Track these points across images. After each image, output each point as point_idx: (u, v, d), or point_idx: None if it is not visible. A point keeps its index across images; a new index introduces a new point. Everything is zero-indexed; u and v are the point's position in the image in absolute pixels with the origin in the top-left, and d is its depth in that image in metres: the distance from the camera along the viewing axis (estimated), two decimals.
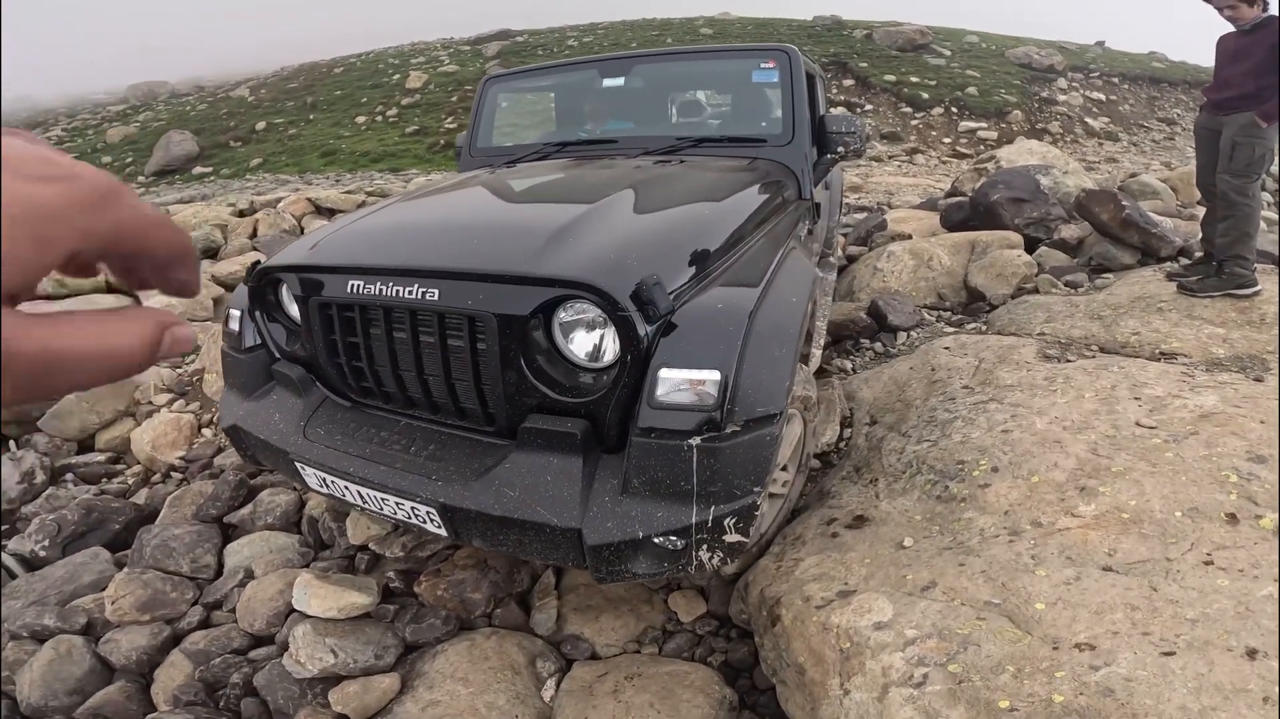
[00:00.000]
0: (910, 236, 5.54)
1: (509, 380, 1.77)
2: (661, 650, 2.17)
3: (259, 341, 2.36)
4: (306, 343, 2.16)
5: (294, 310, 2.22)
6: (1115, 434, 2.41)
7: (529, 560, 2.35)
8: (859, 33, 26.30)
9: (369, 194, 10.58)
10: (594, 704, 1.92)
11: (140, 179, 21.48)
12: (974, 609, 1.76)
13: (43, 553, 2.75)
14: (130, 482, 3.43)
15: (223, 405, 2.43)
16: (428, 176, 15.80)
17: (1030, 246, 5.03)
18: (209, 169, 21.49)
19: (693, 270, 1.90)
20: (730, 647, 2.16)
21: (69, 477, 3.44)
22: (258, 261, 2.26)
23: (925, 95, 21.45)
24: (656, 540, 1.61)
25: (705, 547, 1.65)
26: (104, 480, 3.46)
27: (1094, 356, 3.19)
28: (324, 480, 2.00)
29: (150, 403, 4.00)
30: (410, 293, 1.80)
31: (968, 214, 5.63)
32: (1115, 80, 24.16)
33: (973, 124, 20.18)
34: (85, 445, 3.77)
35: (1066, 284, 4.39)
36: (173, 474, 3.37)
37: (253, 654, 2.21)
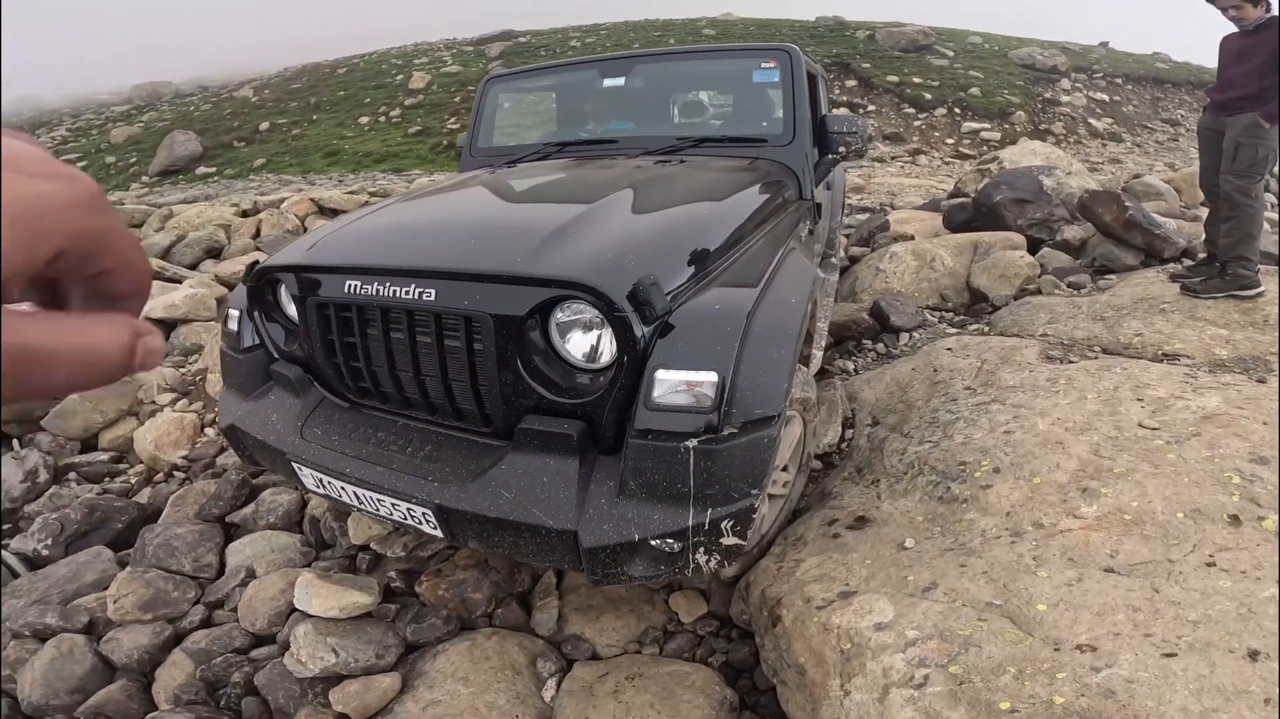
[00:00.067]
0: (913, 237, 5.53)
1: (505, 381, 1.76)
2: (662, 651, 2.17)
3: (257, 341, 2.36)
4: (304, 343, 2.16)
5: (292, 310, 2.22)
6: (1117, 435, 2.40)
7: (526, 562, 2.34)
8: (861, 33, 26.28)
9: (372, 194, 10.59)
10: (594, 704, 1.92)
11: (144, 179, 21.52)
12: (975, 610, 1.75)
13: (45, 552, 2.75)
14: (133, 481, 3.43)
15: (221, 405, 2.43)
16: (430, 177, 15.81)
17: (1033, 248, 5.02)
18: (213, 169, 21.53)
19: (691, 271, 1.89)
20: (731, 647, 2.15)
21: (72, 476, 3.45)
22: (256, 261, 2.26)
23: (928, 96, 21.42)
24: (653, 543, 1.60)
25: (702, 549, 1.64)
26: (107, 479, 3.47)
27: (1096, 358, 3.19)
28: (320, 481, 1.99)
29: (153, 402, 4.01)
30: (407, 293, 1.80)
31: (970, 215, 5.63)
32: (1119, 81, 24.11)
33: (976, 125, 20.16)
34: (88, 444, 3.77)
35: (1069, 285, 4.38)
36: (175, 473, 3.38)
37: (254, 653, 2.21)
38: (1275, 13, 3.46)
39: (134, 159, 23.23)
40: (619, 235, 1.92)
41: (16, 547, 2.82)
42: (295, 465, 2.04)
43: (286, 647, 2.09)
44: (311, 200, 9.14)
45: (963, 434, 2.58)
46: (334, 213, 8.84)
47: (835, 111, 3.60)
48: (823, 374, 3.61)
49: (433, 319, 1.81)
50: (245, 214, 8.94)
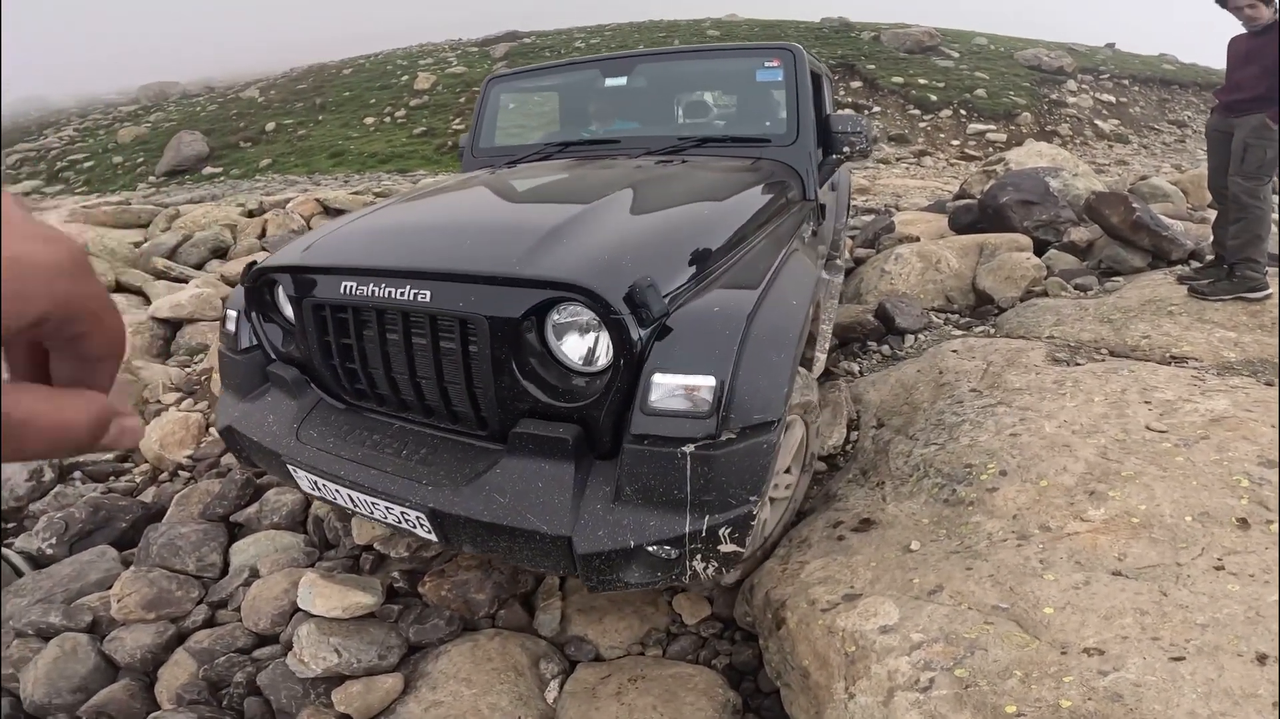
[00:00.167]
0: (918, 239, 5.51)
1: (501, 384, 1.74)
2: (665, 653, 2.16)
3: (255, 343, 2.34)
4: (301, 344, 2.14)
5: (289, 311, 2.20)
6: (1125, 438, 2.39)
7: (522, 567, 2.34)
8: (866, 35, 26.26)
9: (377, 195, 10.62)
10: (597, 706, 1.91)
11: (151, 179, 21.61)
12: (981, 613, 1.74)
13: (50, 551, 2.75)
14: (138, 480, 3.44)
15: (219, 407, 2.41)
16: (435, 178, 15.84)
17: (1039, 249, 5.00)
18: (219, 169, 21.60)
19: (690, 272, 1.86)
20: (735, 649, 2.14)
21: (77, 475, 3.45)
22: (254, 262, 2.24)
23: (933, 97, 21.38)
24: (650, 550, 1.57)
25: (700, 556, 1.61)
26: (112, 479, 3.47)
27: (1103, 360, 3.17)
28: (315, 484, 1.98)
29: (159, 402, 4.02)
30: (402, 294, 1.78)
31: (976, 216, 5.61)
32: (1125, 82, 24.04)
33: (981, 126, 20.11)
34: None
35: (1076, 287, 4.36)
36: (180, 473, 3.38)
37: (257, 653, 2.21)
38: None
39: (141, 159, 23.32)
40: (616, 236, 1.89)
41: (21, 545, 2.83)
42: (290, 468, 2.02)
43: (289, 647, 2.09)
44: (317, 201, 9.17)
45: (968, 436, 2.57)
46: (339, 213, 8.85)
47: (839, 112, 3.59)
48: (827, 376, 3.60)
49: (428, 321, 1.78)
50: (251, 214, 8.97)
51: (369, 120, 23.77)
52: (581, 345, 1.75)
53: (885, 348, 3.90)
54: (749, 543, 1.67)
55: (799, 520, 2.43)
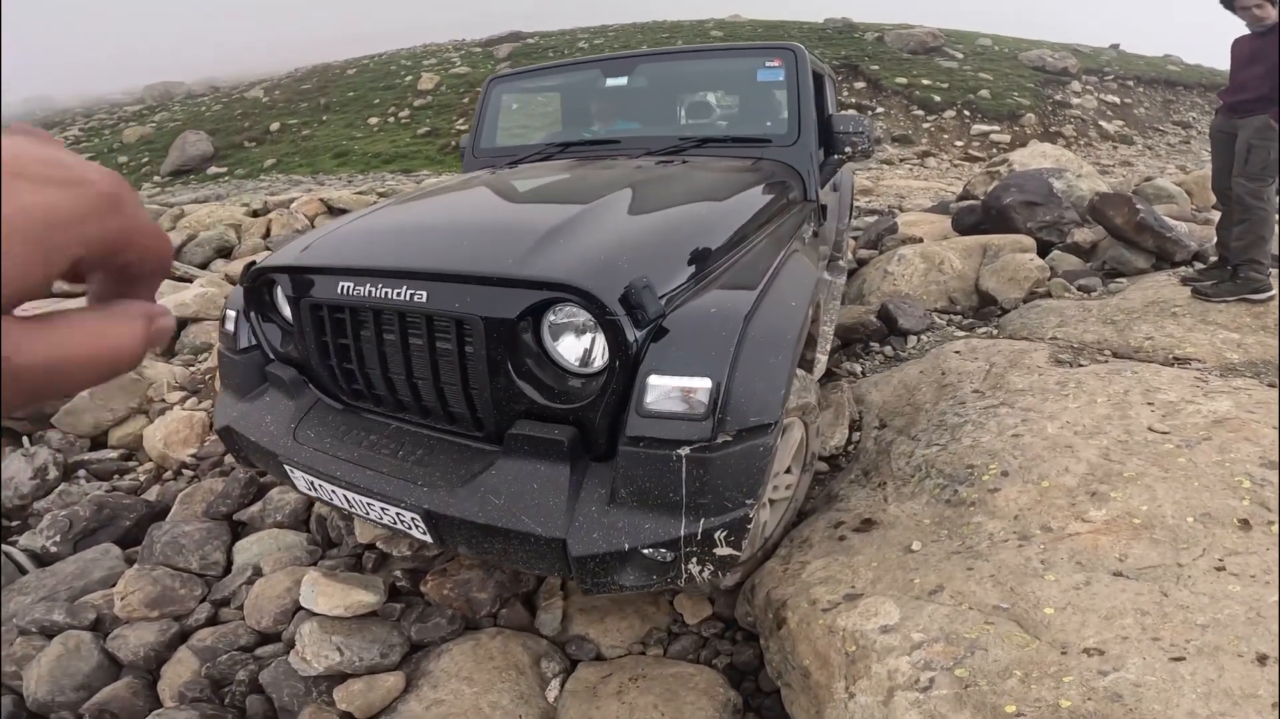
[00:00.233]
0: (921, 240, 5.51)
1: (497, 385, 1.73)
2: (666, 652, 2.17)
3: (254, 343, 2.34)
4: (299, 344, 2.14)
5: (288, 311, 2.20)
6: (1127, 439, 2.38)
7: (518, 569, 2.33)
8: (870, 35, 26.22)
9: (380, 195, 10.64)
10: (598, 705, 1.92)
11: (156, 179, 21.69)
12: (982, 613, 1.74)
13: (54, 549, 2.77)
14: (142, 478, 3.45)
15: (217, 406, 2.41)
16: (438, 178, 15.87)
17: (1043, 250, 5.00)
18: (224, 169, 21.67)
19: (688, 273, 1.85)
20: (735, 649, 2.15)
21: (81, 473, 3.47)
22: (253, 262, 2.24)
23: (937, 98, 21.34)
24: (644, 552, 1.56)
25: (695, 560, 1.60)
26: (116, 477, 3.49)
27: (1106, 361, 3.17)
28: (312, 484, 1.97)
29: (163, 400, 4.03)
30: (399, 294, 1.77)
31: (980, 217, 5.60)
32: (1130, 83, 23.97)
33: (985, 127, 20.07)
34: (98, 442, 3.79)
35: (1079, 288, 4.36)
36: (184, 471, 3.40)
37: (259, 651, 2.21)
38: None
39: (146, 159, 23.41)
40: (614, 236, 1.88)
41: (25, 543, 2.84)
42: (287, 468, 2.02)
43: (291, 645, 2.09)
44: (321, 200, 9.19)
45: (971, 437, 2.56)
46: (343, 213, 8.87)
47: (842, 112, 3.58)
48: (830, 377, 3.60)
49: (424, 321, 1.78)
50: (255, 214, 9.00)
51: (373, 120, 23.82)
52: (578, 346, 1.74)
53: (888, 349, 3.90)
54: (745, 546, 1.66)
55: (800, 520, 2.43)
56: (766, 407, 1.61)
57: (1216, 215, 4.27)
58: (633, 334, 1.61)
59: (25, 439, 3.74)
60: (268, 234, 8.14)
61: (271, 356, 2.32)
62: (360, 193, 10.48)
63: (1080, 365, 3.08)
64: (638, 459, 1.57)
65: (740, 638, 2.19)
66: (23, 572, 2.68)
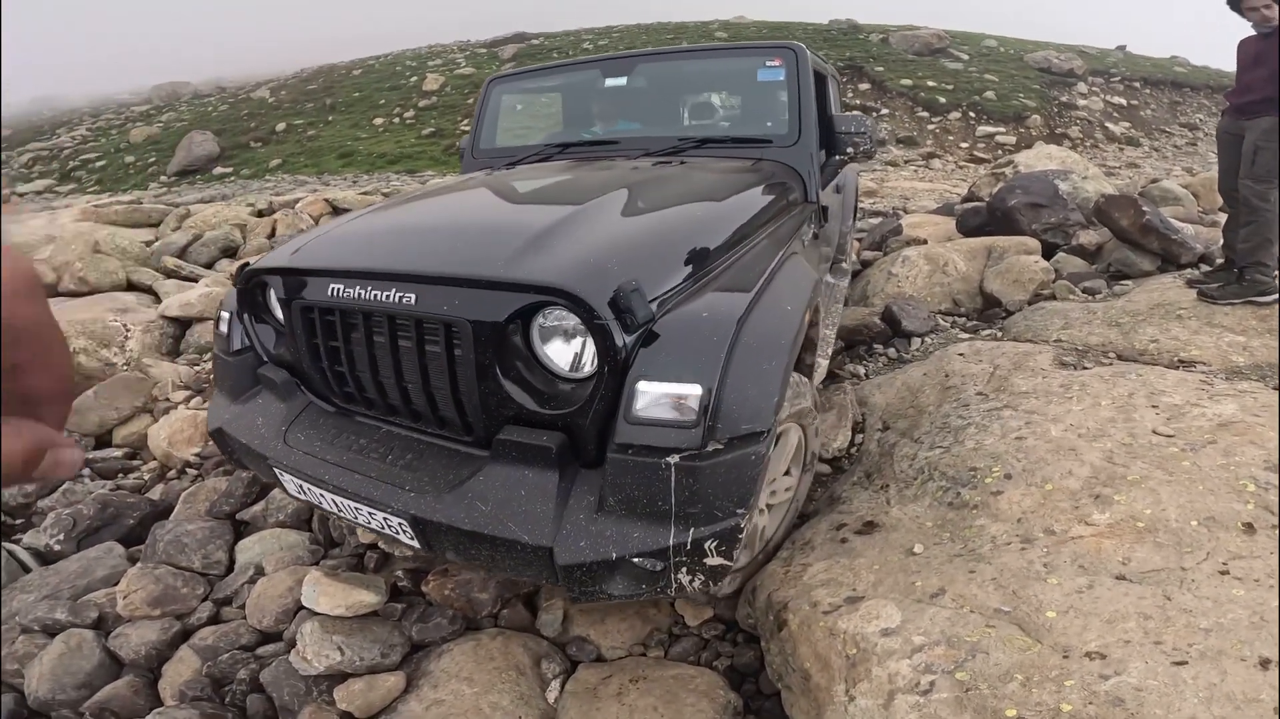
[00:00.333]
0: (926, 242, 5.50)
1: (486, 389, 1.70)
2: (667, 654, 2.16)
3: (247, 344, 2.33)
4: (291, 346, 2.13)
5: (281, 313, 2.19)
6: (1131, 442, 2.37)
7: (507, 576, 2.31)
8: (875, 36, 26.22)
9: (385, 195, 10.66)
10: (598, 706, 1.91)
11: (163, 178, 21.79)
12: (983, 617, 1.74)
13: (57, 547, 2.78)
14: (146, 477, 3.46)
15: (210, 408, 2.40)
16: (443, 179, 15.90)
17: (1048, 252, 4.99)
18: (229, 169, 21.75)
19: (682, 275, 1.82)
20: (736, 651, 2.14)
21: (85, 471, 3.48)
22: (246, 263, 2.24)
23: (942, 99, 21.32)
24: (633, 562, 1.53)
25: (685, 569, 1.56)
26: (120, 476, 3.50)
27: (1111, 364, 3.15)
28: (301, 487, 1.96)
29: (168, 399, 4.04)
30: (388, 297, 1.76)
31: (984, 219, 5.59)
32: (1136, 85, 23.92)
33: (990, 128, 20.04)
34: (102, 441, 3.81)
35: (1084, 290, 4.34)
36: (188, 470, 3.41)
37: (260, 650, 2.22)
38: None
39: (152, 159, 23.52)
40: (605, 238, 1.86)
41: (29, 541, 2.85)
42: (277, 471, 2.01)
43: (293, 644, 2.09)
44: (326, 201, 9.22)
45: (974, 440, 2.56)
46: (347, 213, 8.91)
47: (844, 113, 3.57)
48: (833, 379, 3.59)
49: (413, 324, 1.76)
50: (261, 214, 9.04)
51: (378, 121, 23.90)
52: (567, 351, 1.71)
53: (891, 350, 3.89)
54: (736, 556, 1.62)
55: (802, 522, 2.43)
56: (759, 414, 1.58)
57: (1223, 217, 4.25)
58: (622, 339, 1.58)
59: None
60: (273, 234, 8.17)
61: (265, 359, 2.31)
62: (365, 193, 10.50)
63: (1085, 368, 3.07)
64: (626, 467, 1.54)
65: (741, 640, 2.19)
66: (26, 570, 2.69)
